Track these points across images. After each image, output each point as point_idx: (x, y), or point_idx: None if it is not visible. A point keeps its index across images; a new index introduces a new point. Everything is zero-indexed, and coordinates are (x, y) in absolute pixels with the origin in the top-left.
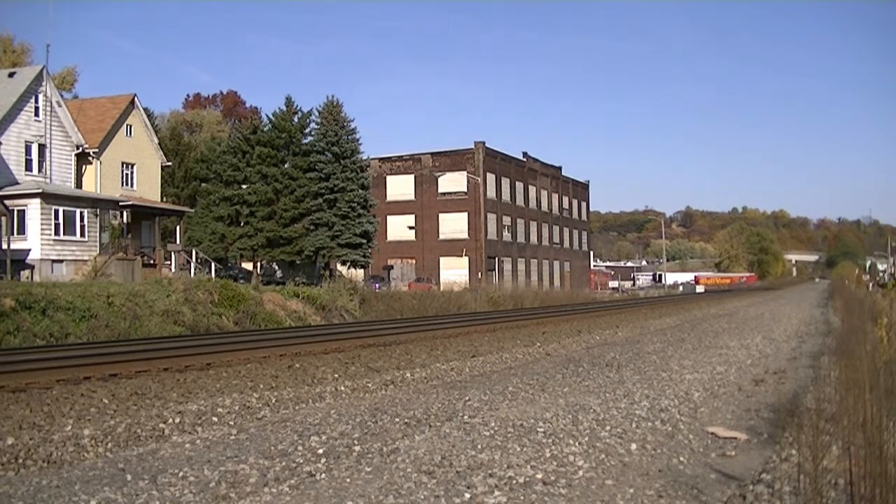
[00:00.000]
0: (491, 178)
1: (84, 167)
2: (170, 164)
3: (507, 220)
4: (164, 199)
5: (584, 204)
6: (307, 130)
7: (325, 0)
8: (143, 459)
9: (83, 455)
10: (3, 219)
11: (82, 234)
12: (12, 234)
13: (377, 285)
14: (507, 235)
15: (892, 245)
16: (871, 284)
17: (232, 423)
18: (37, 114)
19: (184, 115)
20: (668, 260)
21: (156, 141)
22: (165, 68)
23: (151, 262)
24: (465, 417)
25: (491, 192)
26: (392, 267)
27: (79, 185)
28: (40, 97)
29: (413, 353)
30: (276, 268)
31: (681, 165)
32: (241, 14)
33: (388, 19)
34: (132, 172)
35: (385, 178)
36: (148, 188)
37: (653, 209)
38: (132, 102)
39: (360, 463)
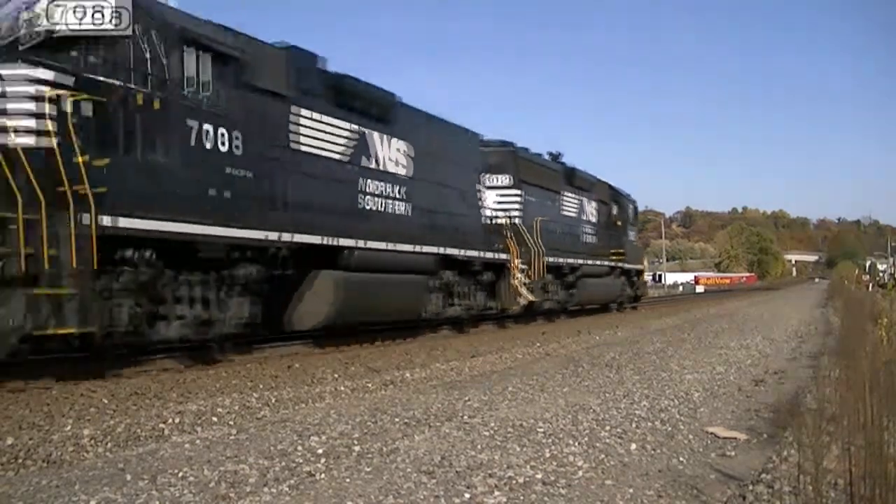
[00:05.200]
0: None
1: None
2: None
3: None
4: None
5: None
6: None
7: (325, 0)
8: (142, 459)
9: (83, 455)
10: None
11: None
12: None
13: None
14: None
15: (892, 245)
16: (870, 284)
17: (232, 423)
18: None
19: None
20: (667, 260)
21: None
22: None
23: None
24: (465, 417)
25: None
26: None
27: None
28: None
29: (413, 353)
30: None
31: (681, 165)
32: (241, 14)
33: (388, 19)
34: None
35: None
36: None
37: (653, 209)
38: None
39: (360, 463)
